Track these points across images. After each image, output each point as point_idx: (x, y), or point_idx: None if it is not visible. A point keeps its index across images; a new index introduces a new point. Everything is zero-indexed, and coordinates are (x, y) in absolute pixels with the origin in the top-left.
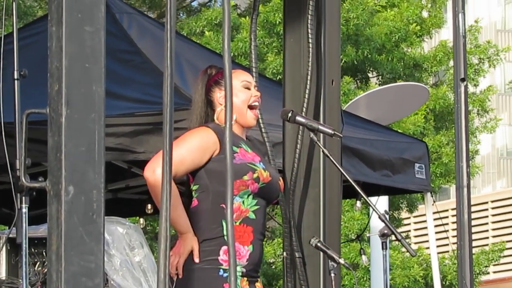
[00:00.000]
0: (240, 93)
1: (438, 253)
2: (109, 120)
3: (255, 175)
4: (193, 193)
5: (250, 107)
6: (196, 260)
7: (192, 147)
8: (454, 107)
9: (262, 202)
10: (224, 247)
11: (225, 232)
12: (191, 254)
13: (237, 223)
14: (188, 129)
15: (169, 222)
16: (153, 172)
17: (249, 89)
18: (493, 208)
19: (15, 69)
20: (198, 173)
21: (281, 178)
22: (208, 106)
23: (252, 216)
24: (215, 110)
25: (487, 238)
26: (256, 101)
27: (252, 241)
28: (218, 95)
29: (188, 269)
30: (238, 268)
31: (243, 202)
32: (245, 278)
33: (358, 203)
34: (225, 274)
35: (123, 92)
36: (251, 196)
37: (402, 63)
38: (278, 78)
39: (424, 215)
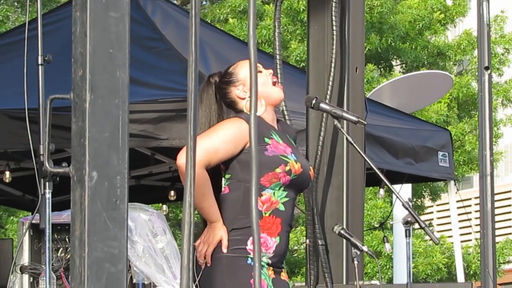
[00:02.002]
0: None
1: (462, 241)
2: (132, 107)
3: (287, 168)
4: (225, 180)
5: (273, 83)
6: (225, 250)
7: (226, 138)
8: (478, 96)
9: (291, 194)
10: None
11: None
12: (219, 243)
13: (267, 215)
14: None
15: (193, 207)
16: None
17: (260, 71)
18: None
19: (39, 54)
20: (231, 163)
21: (311, 168)
22: (226, 109)
23: (282, 208)
24: (237, 109)
25: (510, 227)
26: (273, 77)
27: (280, 233)
28: (237, 91)
29: (215, 257)
30: (264, 259)
31: (273, 194)
32: (271, 268)
33: (381, 191)
34: (253, 263)
35: (146, 79)
36: (282, 188)
37: (426, 51)
38: (301, 65)
39: (447, 203)
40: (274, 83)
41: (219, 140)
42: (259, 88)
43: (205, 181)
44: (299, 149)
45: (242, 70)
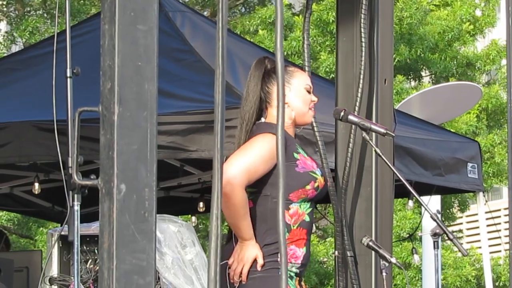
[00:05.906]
0: (304, 94)
1: (491, 252)
2: (161, 119)
3: (316, 185)
4: (248, 194)
5: (310, 108)
6: (259, 269)
7: (265, 158)
8: (507, 107)
9: (313, 205)
10: None
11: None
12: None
13: (295, 227)
14: (240, 119)
15: (220, 220)
16: (228, 182)
17: (310, 92)
18: None
19: (68, 67)
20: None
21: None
22: (262, 98)
23: (307, 219)
24: (270, 103)
25: None
26: (313, 106)
27: (305, 243)
28: None
29: (249, 271)
30: (294, 269)
31: (300, 206)
32: (297, 278)
33: (410, 202)
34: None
35: (175, 91)
36: (306, 201)
37: (455, 62)
38: (331, 76)
39: (477, 214)
40: (310, 109)
41: (260, 160)
42: (300, 103)
43: (246, 202)
44: (322, 163)
45: (296, 79)
